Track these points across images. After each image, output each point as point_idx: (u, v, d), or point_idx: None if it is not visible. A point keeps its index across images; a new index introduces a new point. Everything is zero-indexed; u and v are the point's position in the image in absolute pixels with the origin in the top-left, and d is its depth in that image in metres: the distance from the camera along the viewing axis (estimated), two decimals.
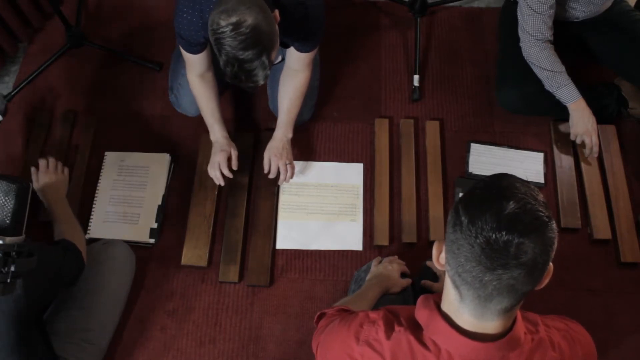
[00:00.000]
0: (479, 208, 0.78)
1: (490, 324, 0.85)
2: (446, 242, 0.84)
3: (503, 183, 0.81)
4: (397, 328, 0.91)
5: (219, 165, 1.73)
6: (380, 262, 1.57)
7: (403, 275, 1.52)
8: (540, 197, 0.80)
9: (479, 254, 0.76)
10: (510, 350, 0.86)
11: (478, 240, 0.76)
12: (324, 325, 1.11)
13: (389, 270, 1.51)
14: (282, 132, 1.76)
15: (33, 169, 1.76)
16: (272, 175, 1.77)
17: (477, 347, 0.85)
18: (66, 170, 1.82)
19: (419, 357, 0.87)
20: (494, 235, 0.75)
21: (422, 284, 1.51)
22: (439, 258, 0.88)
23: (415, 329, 0.90)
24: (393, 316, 0.94)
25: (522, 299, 0.82)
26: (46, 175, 1.75)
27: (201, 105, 1.75)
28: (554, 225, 0.79)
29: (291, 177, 1.78)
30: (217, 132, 1.75)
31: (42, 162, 1.78)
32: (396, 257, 1.59)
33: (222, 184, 1.76)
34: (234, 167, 1.76)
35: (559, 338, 0.92)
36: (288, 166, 1.75)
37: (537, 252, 0.76)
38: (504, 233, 0.75)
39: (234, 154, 1.76)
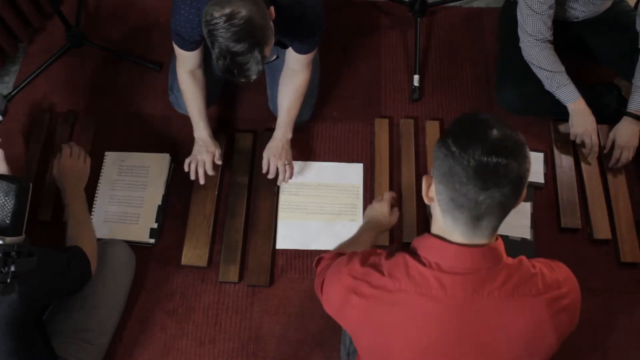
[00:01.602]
0: (467, 138, 0.89)
1: (478, 242, 0.95)
2: (435, 175, 0.94)
3: (481, 117, 0.94)
4: (397, 254, 1.02)
5: (203, 163, 1.75)
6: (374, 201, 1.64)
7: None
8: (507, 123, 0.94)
9: (473, 177, 0.87)
10: (494, 262, 0.95)
11: (471, 164, 0.87)
12: (323, 267, 1.17)
13: (379, 212, 1.56)
14: (282, 132, 1.76)
15: (57, 156, 1.76)
16: (271, 176, 1.77)
17: (463, 252, 0.94)
18: (88, 159, 1.81)
19: (412, 268, 0.97)
20: (485, 159, 0.87)
21: None
22: (428, 192, 0.99)
23: (413, 253, 1.00)
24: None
25: (506, 215, 0.94)
26: (68, 161, 1.74)
27: (188, 100, 1.76)
28: (526, 144, 0.93)
29: (290, 177, 1.78)
30: (202, 130, 1.76)
31: (65, 149, 1.77)
32: (387, 194, 1.61)
33: (202, 182, 1.77)
34: (218, 162, 1.77)
35: (539, 264, 1.00)
36: (287, 166, 1.75)
37: (520, 169, 0.89)
38: (493, 157, 0.87)
39: (218, 153, 1.77)
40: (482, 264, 0.94)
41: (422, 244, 0.99)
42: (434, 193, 0.97)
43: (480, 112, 0.96)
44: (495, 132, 0.89)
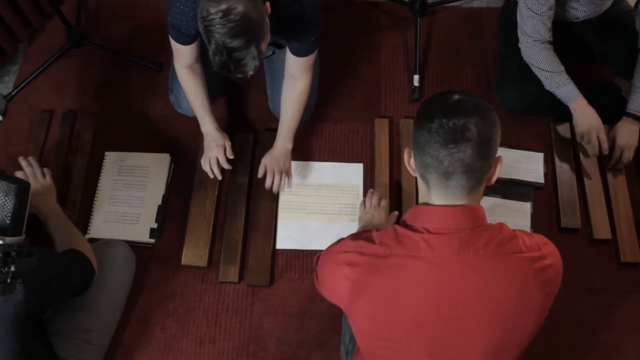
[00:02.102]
0: (432, 106, 0.99)
1: (454, 203, 1.00)
2: (412, 144, 1.02)
3: (447, 92, 1.01)
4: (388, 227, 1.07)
5: (216, 160, 1.74)
6: (367, 206, 1.72)
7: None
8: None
9: (434, 135, 0.95)
10: (476, 222, 0.99)
11: (434, 125, 0.95)
12: None
13: (377, 219, 1.66)
14: (281, 142, 1.77)
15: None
16: (268, 183, 1.77)
17: (445, 212, 0.99)
18: (47, 172, 1.75)
19: (401, 235, 1.02)
20: (444, 119, 0.95)
21: None
22: (410, 162, 1.06)
23: (403, 224, 1.05)
24: None
25: (478, 179, 0.98)
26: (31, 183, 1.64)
27: (190, 96, 1.75)
28: (493, 111, 0.98)
29: (289, 186, 1.80)
30: (208, 124, 1.76)
31: (19, 174, 1.70)
32: (376, 195, 1.72)
33: (220, 177, 1.78)
34: (230, 156, 1.77)
35: (519, 231, 1.04)
36: (283, 175, 1.76)
37: (481, 128, 0.94)
38: (451, 116, 0.94)
39: (228, 145, 1.77)
40: (465, 224, 0.99)
41: (410, 214, 1.05)
42: (414, 164, 1.05)
43: None
44: (456, 96, 0.98)
